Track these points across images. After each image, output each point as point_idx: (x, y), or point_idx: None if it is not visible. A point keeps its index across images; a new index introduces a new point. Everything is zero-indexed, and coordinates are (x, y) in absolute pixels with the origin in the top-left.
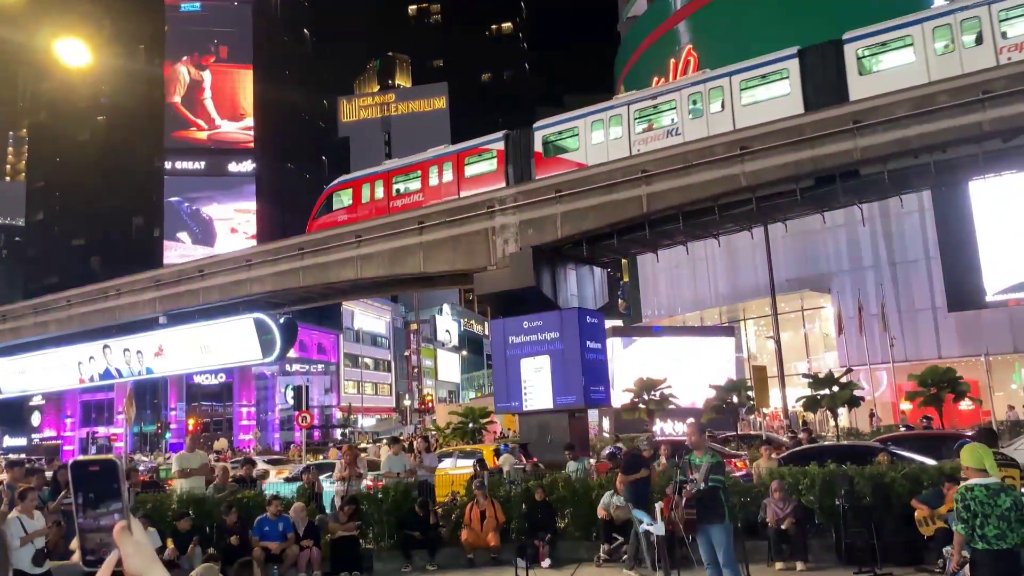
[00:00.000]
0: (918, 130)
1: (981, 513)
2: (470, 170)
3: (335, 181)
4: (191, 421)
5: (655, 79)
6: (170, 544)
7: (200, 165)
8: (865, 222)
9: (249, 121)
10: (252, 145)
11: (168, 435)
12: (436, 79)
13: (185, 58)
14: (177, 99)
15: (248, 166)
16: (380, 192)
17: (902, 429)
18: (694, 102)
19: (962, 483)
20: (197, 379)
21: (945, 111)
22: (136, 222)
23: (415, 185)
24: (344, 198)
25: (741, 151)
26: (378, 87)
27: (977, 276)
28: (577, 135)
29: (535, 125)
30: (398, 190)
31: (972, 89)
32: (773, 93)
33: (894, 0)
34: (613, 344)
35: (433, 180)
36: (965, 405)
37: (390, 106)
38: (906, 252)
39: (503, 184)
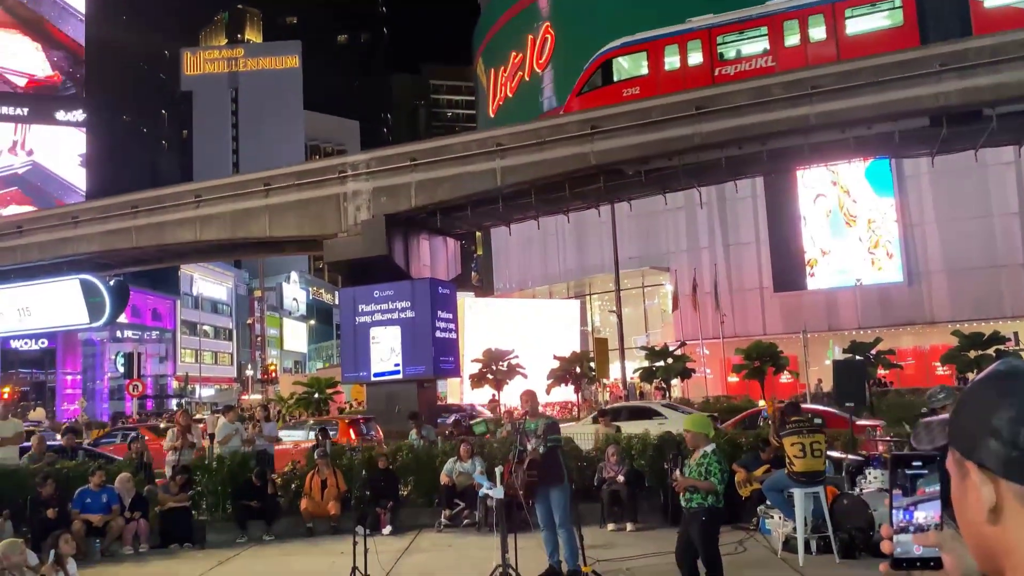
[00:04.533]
0: (754, 119)
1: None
2: (855, 25)
3: (613, 44)
4: (6, 389)
5: (513, 54)
6: None
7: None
8: (703, 205)
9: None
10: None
11: None
12: (289, 37)
13: None
14: None
15: (78, 115)
16: (698, 57)
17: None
18: None
19: (704, 449)
20: (14, 344)
21: (779, 103)
22: None
23: (758, 47)
24: (633, 65)
25: (592, 130)
26: (226, 41)
27: (800, 261)
28: None
29: None
30: (722, 54)
31: (802, 84)
32: None
33: None
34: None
35: (791, 40)
36: (785, 378)
37: (238, 61)
38: (739, 235)
39: (916, 45)
